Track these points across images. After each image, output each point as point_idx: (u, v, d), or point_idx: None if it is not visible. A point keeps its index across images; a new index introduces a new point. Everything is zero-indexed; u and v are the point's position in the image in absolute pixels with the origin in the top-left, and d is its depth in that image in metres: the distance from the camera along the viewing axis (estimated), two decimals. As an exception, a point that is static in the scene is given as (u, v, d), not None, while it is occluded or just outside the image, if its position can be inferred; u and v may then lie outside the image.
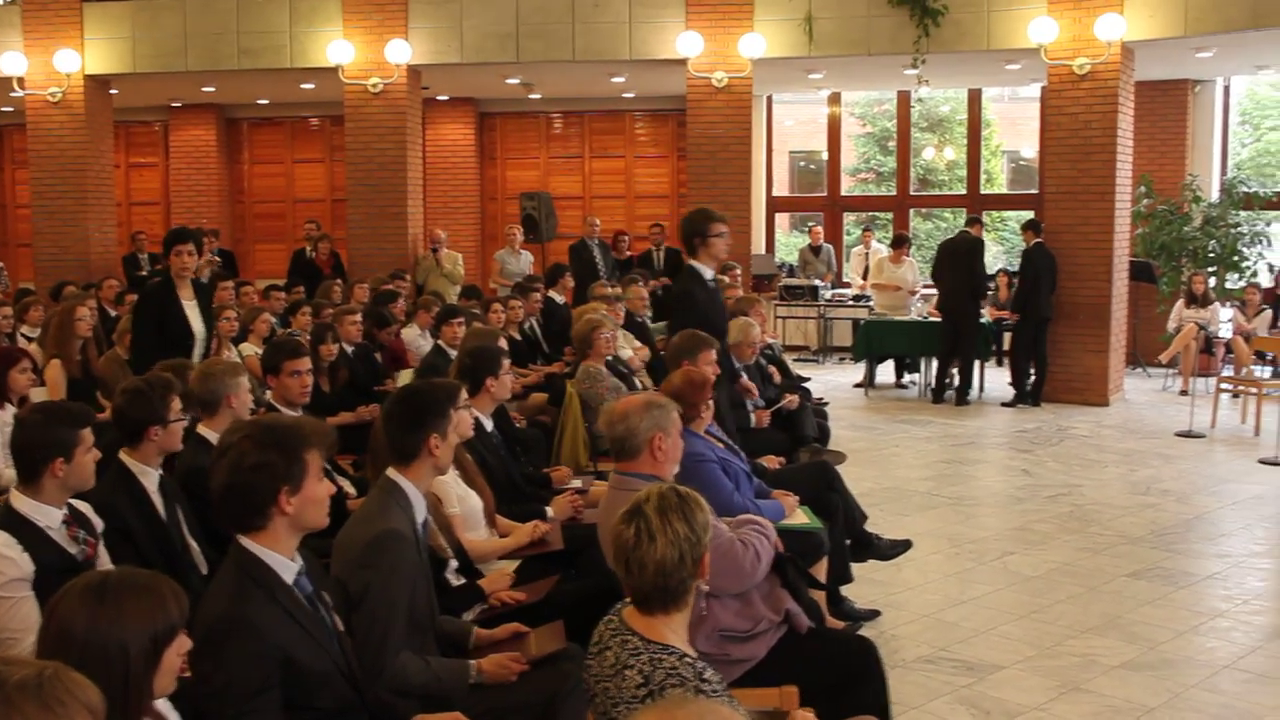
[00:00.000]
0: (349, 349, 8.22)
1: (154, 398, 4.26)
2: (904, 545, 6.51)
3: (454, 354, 7.52)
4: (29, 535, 3.54)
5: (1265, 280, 14.25)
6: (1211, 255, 14.32)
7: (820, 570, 5.26)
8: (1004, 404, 12.66)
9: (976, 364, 13.02)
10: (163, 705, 2.59)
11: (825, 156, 18.74)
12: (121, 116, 16.52)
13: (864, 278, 15.51)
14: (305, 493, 2.99)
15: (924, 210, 21.73)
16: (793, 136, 22.71)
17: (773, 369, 8.69)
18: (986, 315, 13.03)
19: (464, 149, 18.11)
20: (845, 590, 5.94)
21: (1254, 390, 11.34)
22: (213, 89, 16.44)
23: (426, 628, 3.64)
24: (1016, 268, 13.17)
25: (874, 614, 5.99)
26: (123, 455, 4.23)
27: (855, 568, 6.10)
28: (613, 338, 7.63)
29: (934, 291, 13.29)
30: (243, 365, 5.48)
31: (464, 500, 4.74)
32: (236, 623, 2.87)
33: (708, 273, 6.56)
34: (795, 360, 13.83)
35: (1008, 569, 6.95)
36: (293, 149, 18.82)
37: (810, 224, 18.19)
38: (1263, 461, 9.85)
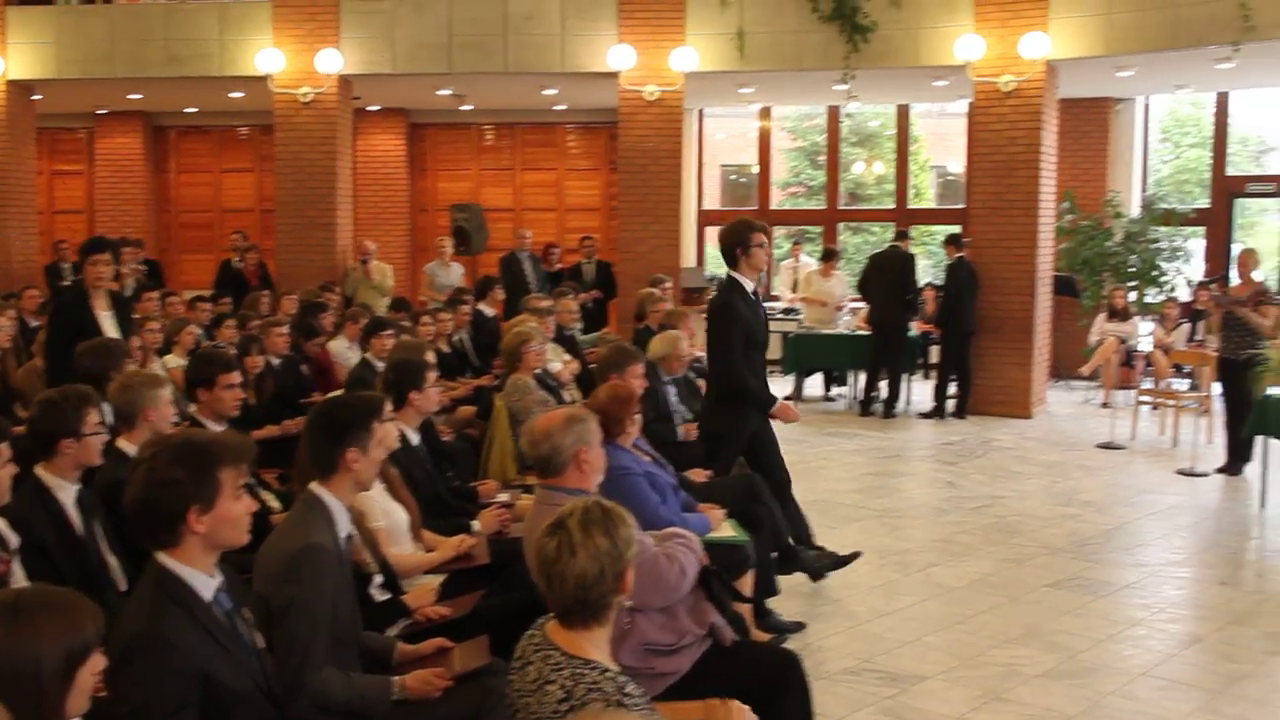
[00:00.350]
0: (275, 361, 8.14)
1: (67, 409, 4.17)
2: (839, 562, 6.59)
3: (382, 367, 7.47)
4: (-59, 552, 3.48)
5: (1184, 295, 14.56)
6: (1132, 270, 14.59)
7: (746, 583, 5.30)
8: (921, 415, 12.83)
9: (904, 377, 13.17)
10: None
11: (756, 170, 18.87)
12: (45, 123, 16.22)
13: (793, 291, 15.64)
14: (218, 511, 2.95)
15: (853, 224, 21.92)
16: (724, 150, 22.85)
17: (701, 383, 8.72)
18: (914, 329, 13.19)
19: (395, 160, 18.00)
20: (771, 602, 5.98)
21: (1172, 403, 11.57)
22: (140, 96, 16.19)
23: (349, 643, 3.61)
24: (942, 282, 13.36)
25: (799, 626, 6.03)
26: (38, 469, 4.15)
27: (781, 580, 6.14)
28: (541, 351, 7.63)
29: (862, 305, 13.42)
30: (164, 378, 5.40)
31: (389, 514, 4.72)
32: (153, 641, 2.84)
33: (749, 284, 6.46)
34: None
35: (932, 580, 7.04)
36: (221, 158, 18.58)
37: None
38: (1180, 472, 10.06)
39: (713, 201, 21.70)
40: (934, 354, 13.48)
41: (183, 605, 2.91)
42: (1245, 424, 9.12)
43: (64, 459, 4.15)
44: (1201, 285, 14.02)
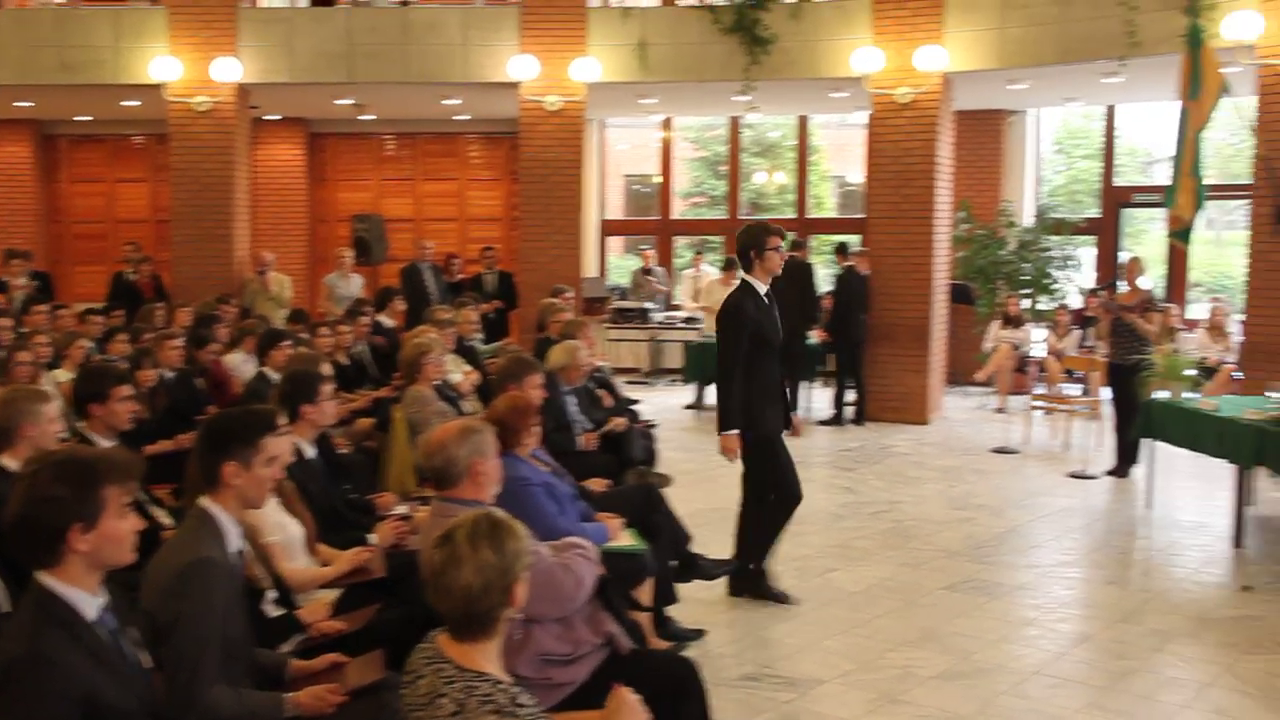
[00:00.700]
0: (169, 375, 8.00)
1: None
2: (729, 565, 6.63)
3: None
4: None
5: (1075, 302, 14.93)
6: (1025, 278, 14.93)
7: (645, 592, 5.32)
8: (820, 422, 12.98)
9: (803, 385, 13.30)
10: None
11: (658, 180, 18.96)
12: (-72, 132, 15.81)
13: (694, 300, 15.73)
14: (102, 529, 2.88)
15: (755, 234, 22.02)
16: (626, 160, 22.90)
17: (602, 392, 8.75)
18: (813, 337, 13.33)
19: (294, 170, 17.80)
20: (671, 610, 6.01)
21: (1064, 408, 11.85)
22: (29, 104, 15.82)
23: (241, 660, 3.55)
24: (835, 291, 13.53)
25: (699, 633, 6.06)
26: (-83, 488, 4.04)
27: (681, 588, 6.17)
28: (440, 362, 7.59)
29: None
30: (47, 393, 5.26)
31: (283, 528, 4.66)
32: (34, 662, 2.77)
33: (762, 287, 6.55)
34: (627, 382, 13.93)
35: (830, 585, 7.13)
36: (114, 168, 18.21)
37: (642, 247, 18.34)
38: (1071, 475, 10.31)
39: (615, 211, 21.75)
40: (832, 362, 13.64)
41: (64, 625, 2.85)
42: (1133, 427, 9.39)
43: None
44: (1092, 293, 14.40)
